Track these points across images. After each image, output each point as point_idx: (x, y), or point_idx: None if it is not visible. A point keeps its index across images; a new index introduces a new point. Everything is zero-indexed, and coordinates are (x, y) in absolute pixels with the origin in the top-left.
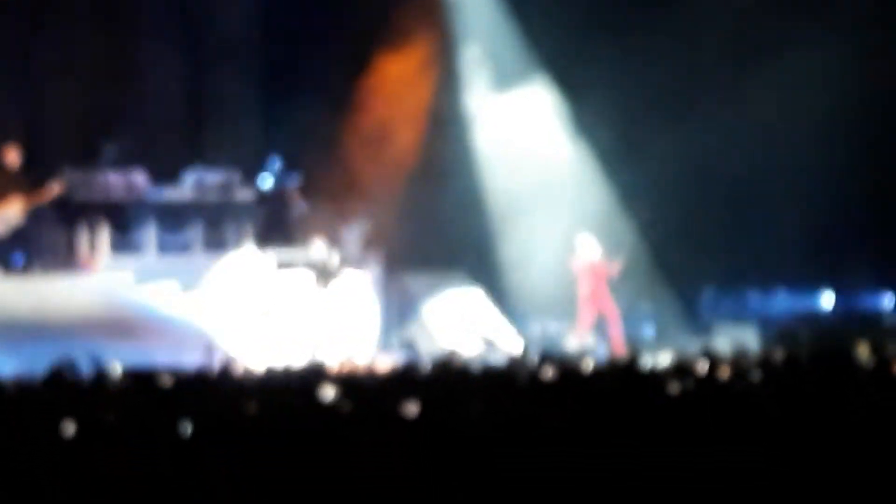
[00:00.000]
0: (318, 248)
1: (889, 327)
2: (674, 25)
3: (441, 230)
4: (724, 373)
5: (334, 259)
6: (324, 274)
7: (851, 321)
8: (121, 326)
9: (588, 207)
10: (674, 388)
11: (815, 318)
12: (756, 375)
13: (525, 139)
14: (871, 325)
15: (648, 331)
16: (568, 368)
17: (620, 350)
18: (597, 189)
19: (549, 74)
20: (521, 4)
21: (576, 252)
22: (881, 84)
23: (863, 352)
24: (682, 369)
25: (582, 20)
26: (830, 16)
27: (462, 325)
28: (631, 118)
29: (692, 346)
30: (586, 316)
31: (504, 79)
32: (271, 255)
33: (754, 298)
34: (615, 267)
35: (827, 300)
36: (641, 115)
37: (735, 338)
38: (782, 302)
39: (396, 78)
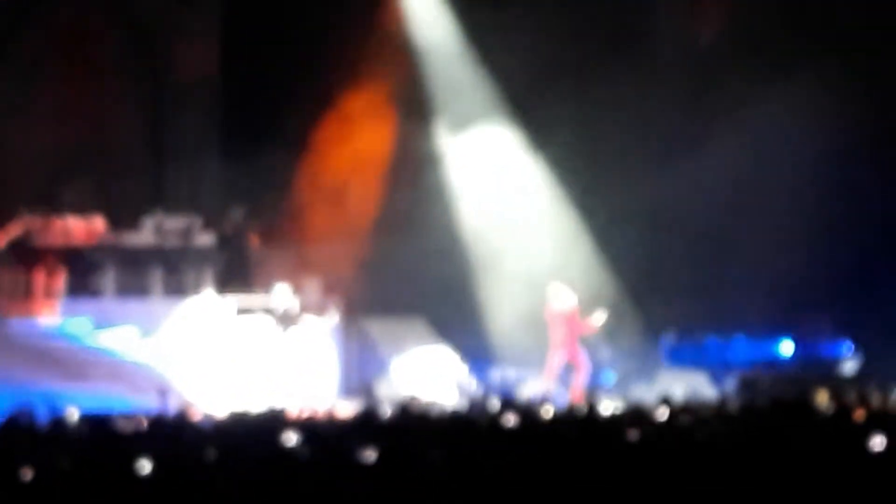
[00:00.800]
0: (280, 293)
1: (847, 375)
2: (641, 71)
3: (402, 276)
4: (683, 420)
5: (294, 305)
6: (284, 320)
7: (810, 369)
8: (78, 370)
9: (553, 252)
10: (632, 435)
11: (775, 366)
12: (715, 423)
13: (490, 183)
14: (830, 372)
15: (608, 377)
16: (528, 415)
17: (579, 399)
18: (562, 233)
19: (514, 116)
20: (485, 46)
21: (549, 301)
22: (843, 135)
23: (822, 399)
24: (639, 417)
25: (546, 62)
26: (797, 63)
27: (428, 380)
28: (596, 163)
29: (650, 393)
30: (554, 363)
31: (468, 120)
32: (231, 301)
33: (713, 345)
34: (593, 324)
35: (786, 348)
36: (607, 160)
37: (689, 385)
38: (742, 349)
39: (357, 123)
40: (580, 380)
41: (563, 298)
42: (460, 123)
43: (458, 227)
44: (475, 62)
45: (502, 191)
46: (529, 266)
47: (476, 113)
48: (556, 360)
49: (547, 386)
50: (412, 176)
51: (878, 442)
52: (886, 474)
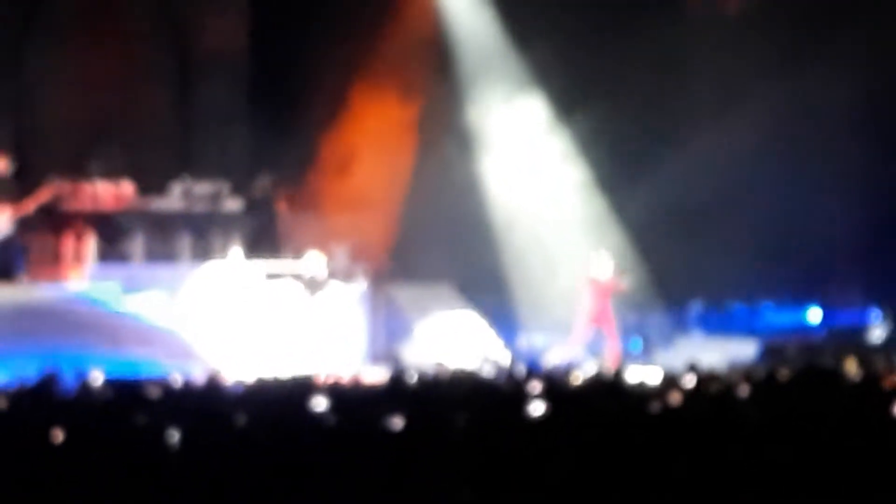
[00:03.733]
0: (309, 259)
1: (875, 343)
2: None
3: (431, 243)
4: (713, 388)
5: (322, 271)
6: (311, 285)
7: (839, 337)
8: (107, 334)
9: (581, 222)
10: (658, 404)
11: (803, 334)
12: (744, 391)
13: (519, 156)
14: (858, 340)
15: (636, 344)
16: (555, 382)
17: (615, 365)
18: (590, 204)
19: (544, 89)
20: (516, 24)
21: (589, 269)
22: (869, 100)
23: (850, 367)
24: (669, 384)
25: (579, 38)
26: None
27: (455, 345)
28: (625, 135)
29: (677, 360)
30: (583, 331)
31: (499, 95)
32: (259, 265)
33: (741, 312)
34: (622, 283)
35: (814, 316)
36: (636, 132)
37: (718, 351)
38: (769, 316)
39: (385, 92)
40: (615, 346)
41: (603, 267)
42: (490, 96)
43: (485, 197)
44: (506, 37)
45: (529, 162)
46: (553, 236)
47: (506, 86)
48: (584, 326)
49: (574, 352)
50: (440, 146)
51: None
52: None
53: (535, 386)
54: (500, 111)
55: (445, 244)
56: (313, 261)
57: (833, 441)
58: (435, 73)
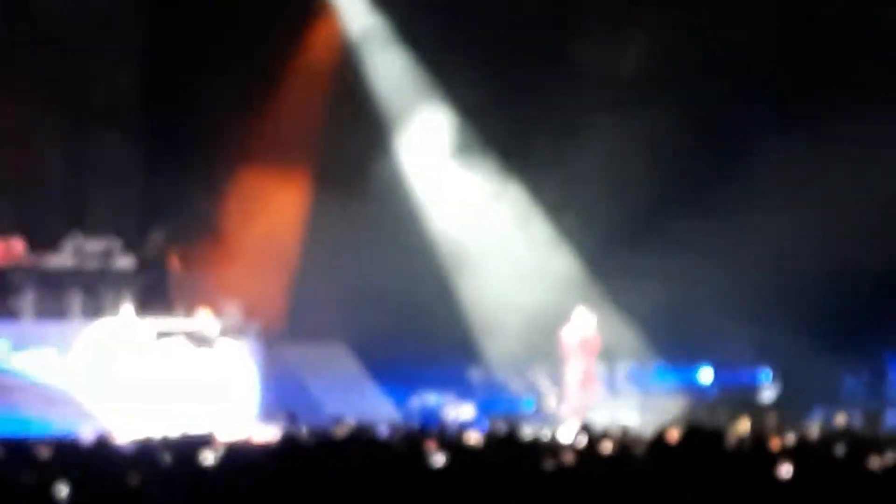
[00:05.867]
0: (201, 317)
1: (766, 402)
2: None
3: (324, 301)
4: (605, 448)
5: (213, 328)
6: (201, 341)
7: (730, 396)
8: None
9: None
10: (550, 463)
11: (694, 393)
12: (638, 450)
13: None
14: (749, 400)
15: (529, 403)
16: (452, 441)
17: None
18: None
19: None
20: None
21: (571, 325)
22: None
23: (744, 427)
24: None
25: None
26: None
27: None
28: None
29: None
30: (579, 395)
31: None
32: (150, 323)
33: (634, 372)
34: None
35: (705, 376)
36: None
37: (614, 412)
38: (662, 376)
39: (287, 146)
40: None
41: (585, 324)
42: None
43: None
44: (407, 55)
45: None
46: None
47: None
48: (581, 391)
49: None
50: (343, 199)
51: (785, 470)
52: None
53: (432, 446)
54: (421, 156)
55: (341, 302)
56: (203, 318)
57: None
58: (343, 123)
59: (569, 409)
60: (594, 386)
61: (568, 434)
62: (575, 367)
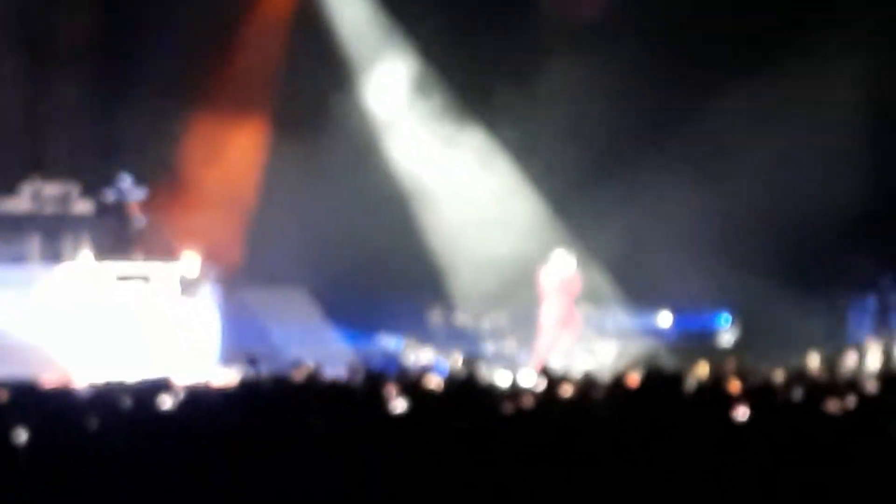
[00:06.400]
0: (186, 259)
1: (724, 347)
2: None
3: (284, 245)
4: (565, 392)
5: (195, 271)
6: (185, 285)
7: (689, 341)
8: None
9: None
10: (510, 406)
11: (655, 338)
12: (598, 394)
13: (380, 141)
14: (708, 344)
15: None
16: (411, 383)
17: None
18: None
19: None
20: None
21: (549, 267)
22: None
23: (702, 371)
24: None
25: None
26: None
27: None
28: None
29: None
30: (552, 340)
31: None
32: (110, 268)
33: (591, 317)
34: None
35: (664, 320)
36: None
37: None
38: (622, 321)
39: (248, 86)
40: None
41: (565, 266)
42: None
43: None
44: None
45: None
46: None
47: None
48: (556, 333)
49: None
50: (299, 137)
51: (741, 412)
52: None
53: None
54: (383, 100)
55: (301, 246)
56: (187, 261)
57: (677, 444)
58: (304, 67)
59: (544, 348)
60: (575, 326)
61: (528, 378)
62: (553, 308)
